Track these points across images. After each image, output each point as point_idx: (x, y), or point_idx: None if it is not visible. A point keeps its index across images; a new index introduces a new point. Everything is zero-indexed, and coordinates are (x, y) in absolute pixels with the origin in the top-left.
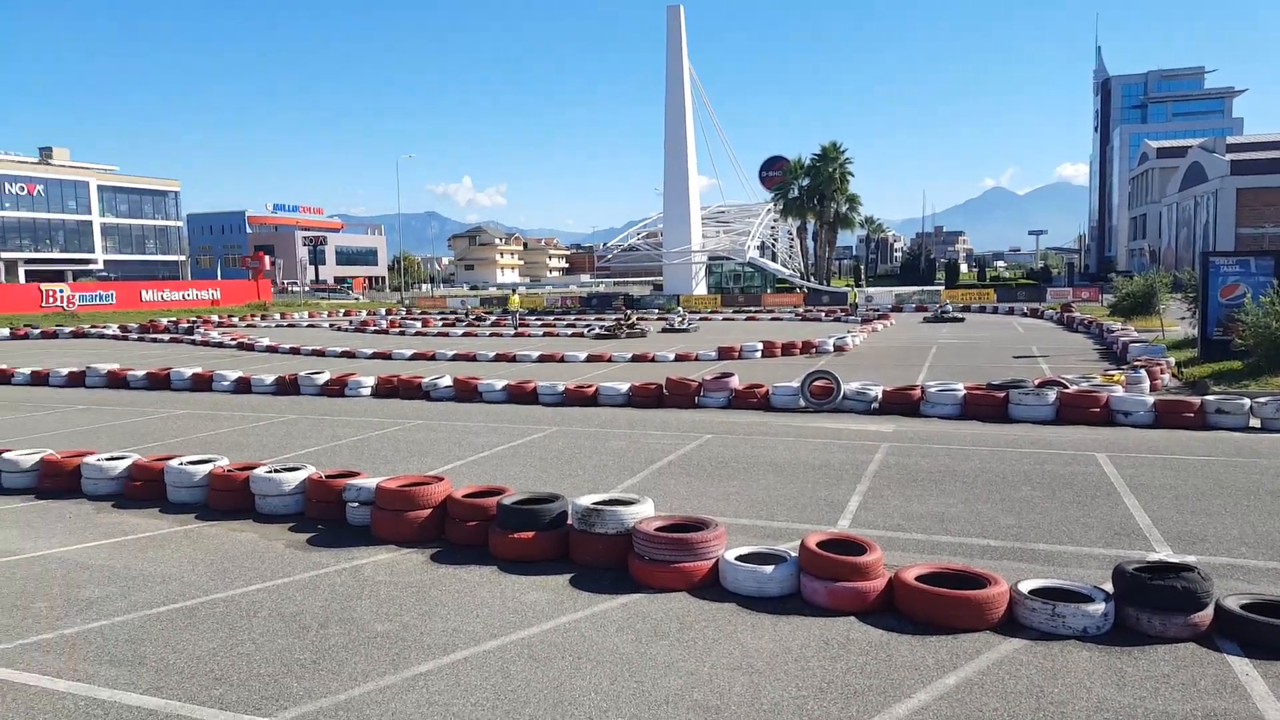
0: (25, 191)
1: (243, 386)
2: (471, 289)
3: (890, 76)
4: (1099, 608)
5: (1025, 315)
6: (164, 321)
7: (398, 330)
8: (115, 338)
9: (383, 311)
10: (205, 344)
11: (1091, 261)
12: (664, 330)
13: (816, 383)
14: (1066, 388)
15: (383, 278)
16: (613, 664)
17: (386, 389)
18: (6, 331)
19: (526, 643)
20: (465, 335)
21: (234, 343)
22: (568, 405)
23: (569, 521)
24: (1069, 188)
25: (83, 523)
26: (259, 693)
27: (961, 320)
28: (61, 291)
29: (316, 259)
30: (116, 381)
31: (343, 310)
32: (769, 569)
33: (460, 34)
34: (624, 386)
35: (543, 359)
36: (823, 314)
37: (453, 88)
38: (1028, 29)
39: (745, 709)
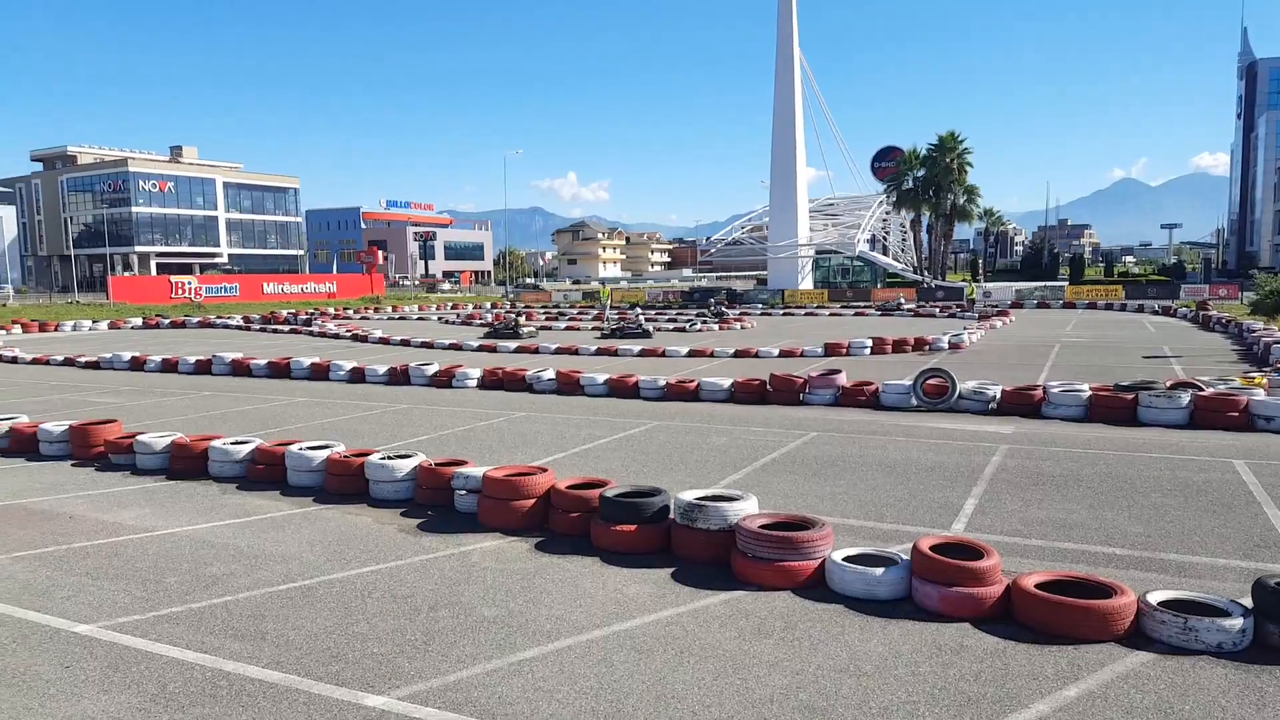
0: (158, 189)
1: (357, 376)
2: (574, 283)
3: (1012, 63)
4: (1236, 623)
5: (1156, 313)
6: (283, 313)
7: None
8: (238, 328)
9: (488, 305)
10: (322, 335)
11: (1230, 257)
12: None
13: (930, 381)
14: (1202, 390)
15: (488, 272)
16: (716, 660)
17: (492, 381)
18: (139, 321)
19: (629, 634)
20: (567, 329)
21: (348, 334)
22: (669, 400)
23: (671, 516)
24: (1206, 179)
25: (210, 503)
26: (373, 671)
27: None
28: (189, 284)
29: (426, 254)
30: (240, 370)
31: (450, 304)
32: (879, 571)
33: (565, 31)
34: (726, 382)
35: (644, 353)
36: (937, 310)
37: (559, 84)
38: (1163, 9)
39: (853, 712)
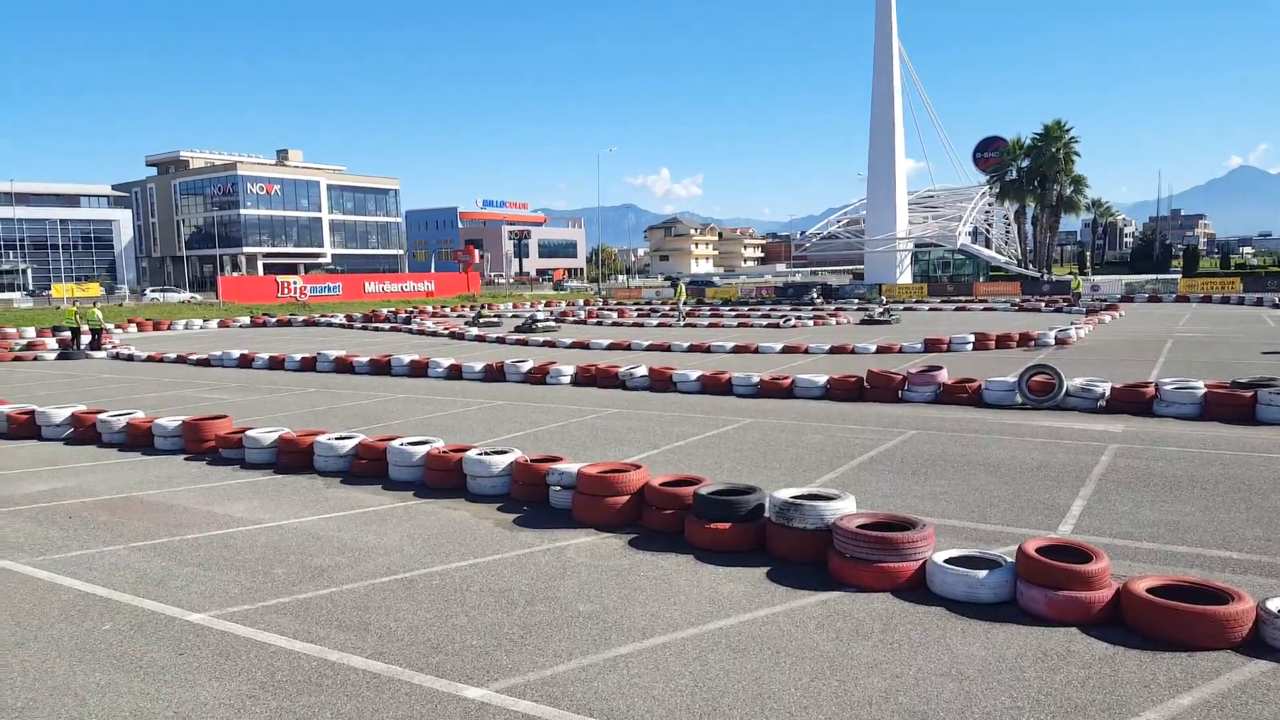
0: (264, 191)
1: (454, 373)
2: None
3: (1123, 47)
4: None
5: (1276, 307)
6: (384, 311)
7: (595, 320)
8: (341, 326)
9: (580, 303)
10: (421, 333)
11: None
12: (862, 323)
13: (1035, 377)
14: None
15: (581, 269)
16: (813, 661)
17: (585, 378)
18: (247, 319)
19: (725, 633)
20: (660, 325)
21: (446, 332)
22: (763, 397)
23: (766, 514)
24: None
25: (314, 496)
26: (471, 663)
27: (896, 323)
28: (295, 283)
29: (520, 252)
30: (343, 366)
31: (544, 301)
32: (982, 573)
33: (659, 28)
34: (821, 379)
35: (737, 350)
36: (1042, 304)
37: (651, 80)
38: None
39: (954, 717)
